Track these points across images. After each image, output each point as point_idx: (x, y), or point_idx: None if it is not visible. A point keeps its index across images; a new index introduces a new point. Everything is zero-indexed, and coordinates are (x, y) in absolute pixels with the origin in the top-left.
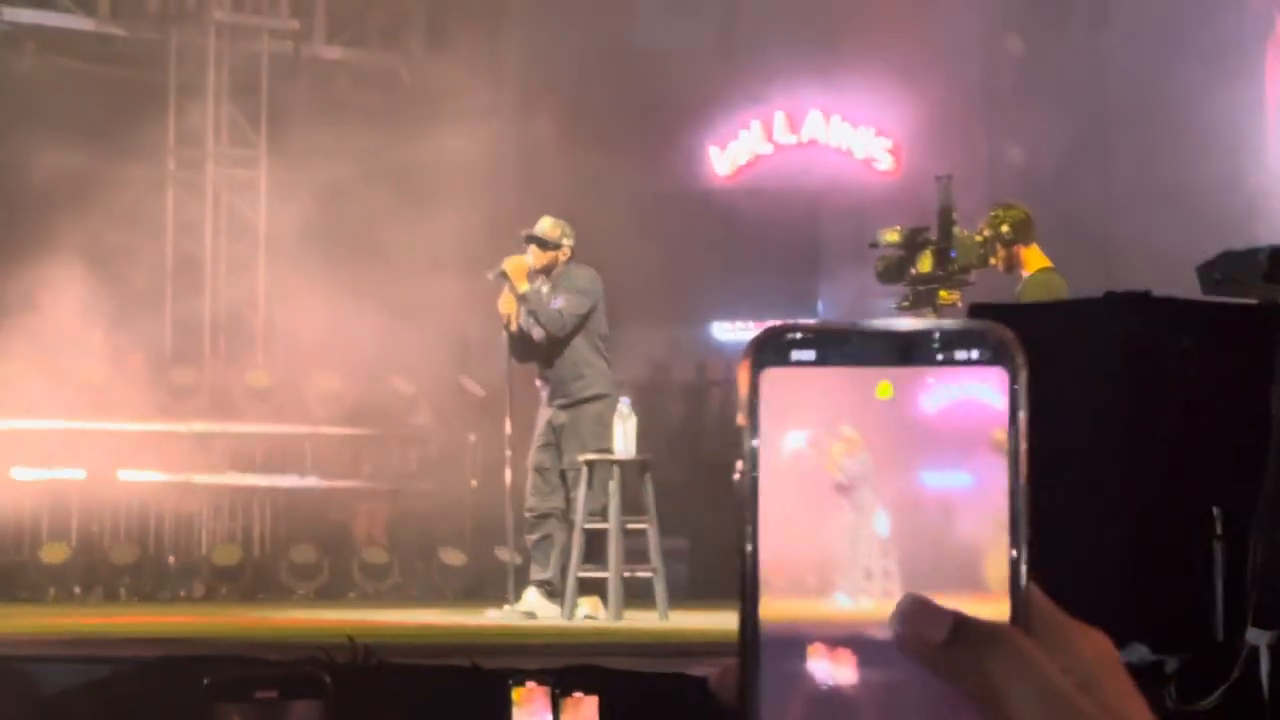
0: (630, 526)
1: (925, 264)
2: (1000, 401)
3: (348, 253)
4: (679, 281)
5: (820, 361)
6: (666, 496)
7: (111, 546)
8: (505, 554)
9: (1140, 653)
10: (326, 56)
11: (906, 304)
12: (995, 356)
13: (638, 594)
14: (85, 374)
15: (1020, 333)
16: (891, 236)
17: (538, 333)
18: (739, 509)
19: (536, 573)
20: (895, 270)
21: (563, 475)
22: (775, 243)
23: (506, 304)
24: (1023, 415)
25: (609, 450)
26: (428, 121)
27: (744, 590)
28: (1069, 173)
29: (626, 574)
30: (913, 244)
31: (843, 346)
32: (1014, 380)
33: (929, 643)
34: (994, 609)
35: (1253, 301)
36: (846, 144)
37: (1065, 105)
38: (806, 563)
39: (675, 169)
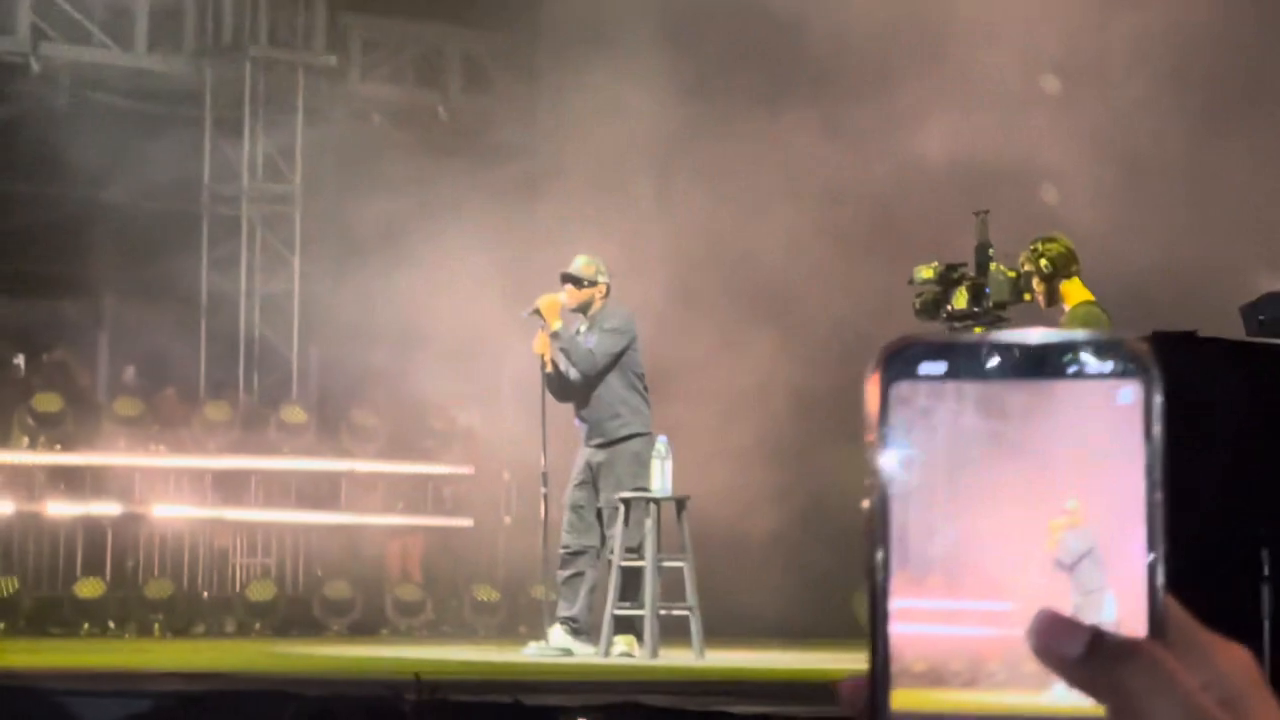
0: (666, 564)
1: (960, 300)
2: (1137, 415)
3: (382, 288)
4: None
5: (951, 375)
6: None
7: (146, 582)
8: (540, 591)
9: None
10: (363, 93)
11: None
12: (1131, 369)
13: (670, 632)
14: (119, 409)
15: None
16: (927, 273)
17: (573, 373)
18: (868, 530)
19: (563, 609)
20: (931, 307)
21: (599, 514)
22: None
23: (541, 344)
24: (1158, 429)
25: (646, 488)
26: (463, 158)
27: (875, 609)
28: (1108, 214)
29: (663, 611)
30: (948, 280)
31: (975, 359)
32: (1150, 393)
33: (1066, 657)
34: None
35: None
36: None
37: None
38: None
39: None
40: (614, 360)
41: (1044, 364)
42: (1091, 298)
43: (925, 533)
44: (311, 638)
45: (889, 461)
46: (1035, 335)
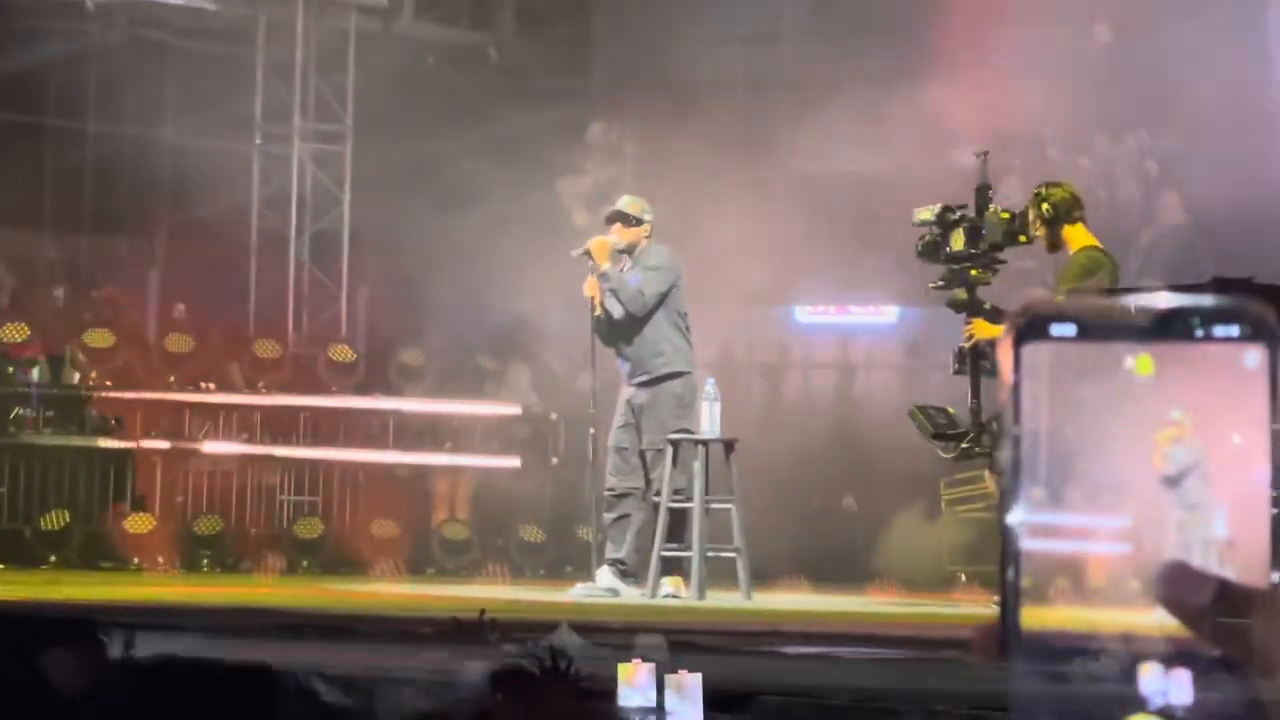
0: (714, 506)
1: (958, 242)
2: (1261, 377)
3: (432, 228)
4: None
5: (1081, 336)
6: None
7: (194, 518)
8: (586, 532)
9: None
10: (415, 34)
11: (941, 284)
12: (1255, 333)
13: (716, 573)
14: (170, 345)
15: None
16: (926, 215)
17: (618, 310)
18: (1004, 481)
19: (611, 551)
20: (931, 249)
21: (642, 455)
22: (859, 226)
23: (590, 287)
24: None
25: (689, 430)
26: (514, 100)
27: (1007, 538)
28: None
29: (710, 554)
30: (946, 222)
31: (1104, 322)
32: (1275, 356)
33: (1192, 607)
34: None
35: None
36: None
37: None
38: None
39: (770, 152)
40: (661, 299)
41: (1170, 327)
42: (1095, 243)
43: (1054, 470)
44: (358, 576)
45: (1020, 413)
46: (1163, 299)
